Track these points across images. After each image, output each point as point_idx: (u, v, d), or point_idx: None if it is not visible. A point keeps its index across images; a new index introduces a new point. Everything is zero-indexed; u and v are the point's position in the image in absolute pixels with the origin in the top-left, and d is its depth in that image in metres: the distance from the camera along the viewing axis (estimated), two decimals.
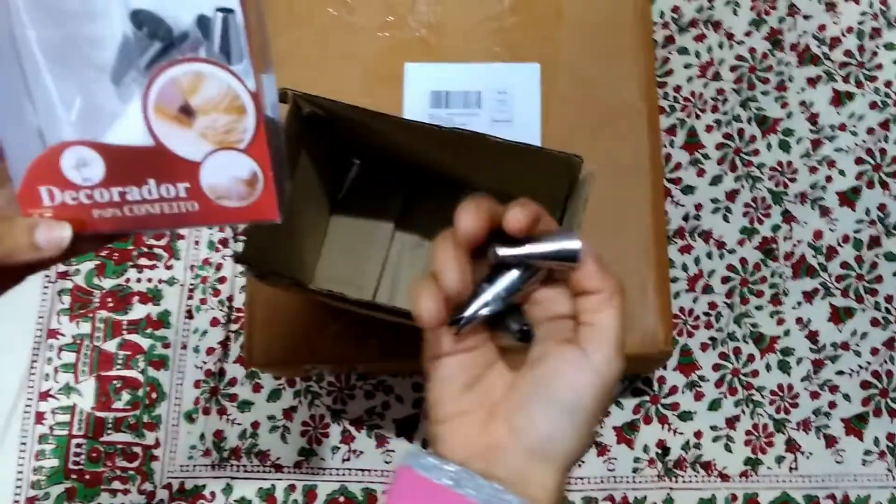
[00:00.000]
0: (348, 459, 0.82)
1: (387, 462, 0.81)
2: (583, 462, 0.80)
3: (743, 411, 0.82)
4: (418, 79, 0.76)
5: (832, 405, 0.82)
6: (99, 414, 0.83)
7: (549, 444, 0.35)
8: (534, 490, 0.34)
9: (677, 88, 0.90)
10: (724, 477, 0.80)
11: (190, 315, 0.86)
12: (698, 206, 0.87)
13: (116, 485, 0.81)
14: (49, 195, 0.38)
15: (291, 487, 0.81)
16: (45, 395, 0.84)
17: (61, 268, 0.87)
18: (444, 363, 0.36)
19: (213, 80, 0.36)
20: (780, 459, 0.80)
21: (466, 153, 0.63)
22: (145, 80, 0.36)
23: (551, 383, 0.35)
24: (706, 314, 0.84)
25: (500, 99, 0.76)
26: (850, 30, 0.91)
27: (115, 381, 0.84)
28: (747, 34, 0.92)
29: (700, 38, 0.92)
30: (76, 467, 0.82)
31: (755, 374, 0.83)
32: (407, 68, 0.76)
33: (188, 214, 0.39)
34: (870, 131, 0.88)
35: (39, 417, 0.83)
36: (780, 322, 0.84)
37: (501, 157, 0.62)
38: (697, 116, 0.90)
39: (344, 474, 0.81)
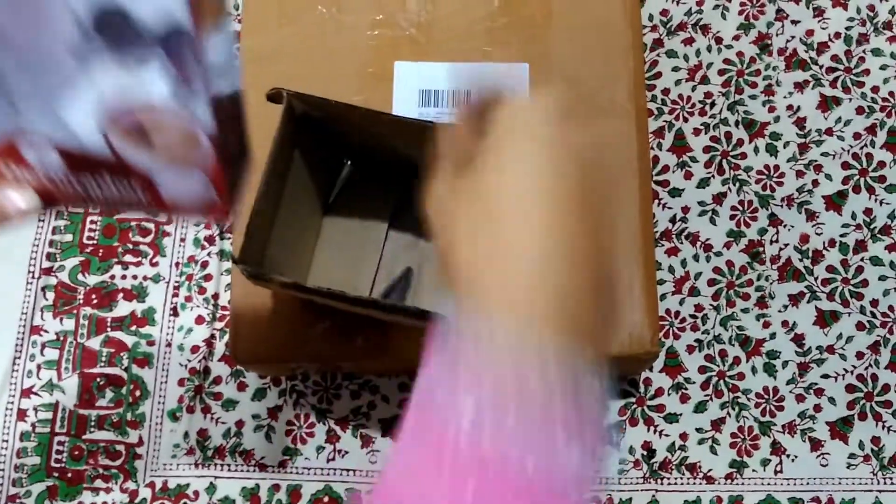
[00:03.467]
0: (333, 459, 0.81)
1: (372, 462, 0.81)
2: None
3: (728, 414, 0.82)
4: (408, 77, 0.76)
5: (817, 408, 0.82)
6: (82, 412, 0.82)
7: None
8: None
9: (665, 91, 0.91)
10: (710, 479, 0.80)
11: (175, 312, 0.85)
12: (685, 209, 0.87)
13: (99, 483, 0.81)
14: (12, 173, 0.41)
15: (276, 487, 0.81)
16: (27, 392, 0.83)
17: (45, 263, 0.86)
18: None
19: (167, 114, 0.36)
20: (765, 462, 0.81)
21: None
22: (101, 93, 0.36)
23: None
24: (692, 316, 0.84)
25: None
26: (837, 35, 0.92)
27: (98, 379, 0.83)
28: (735, 38, 0.92)
29: (688, 41, 0.92)
30: (58, 465, 0.81)
31: (741, 376, 0.83)
32: (397, 67, 0.76)
33: (145, 204, 0.42)
34: (856, 136, 0.89)
35: (22, 415, 0.82)
36: (766, 325, 0.84)
37: None
38: (685, 119, 0.90)
39: (329, 474, 0.81)
